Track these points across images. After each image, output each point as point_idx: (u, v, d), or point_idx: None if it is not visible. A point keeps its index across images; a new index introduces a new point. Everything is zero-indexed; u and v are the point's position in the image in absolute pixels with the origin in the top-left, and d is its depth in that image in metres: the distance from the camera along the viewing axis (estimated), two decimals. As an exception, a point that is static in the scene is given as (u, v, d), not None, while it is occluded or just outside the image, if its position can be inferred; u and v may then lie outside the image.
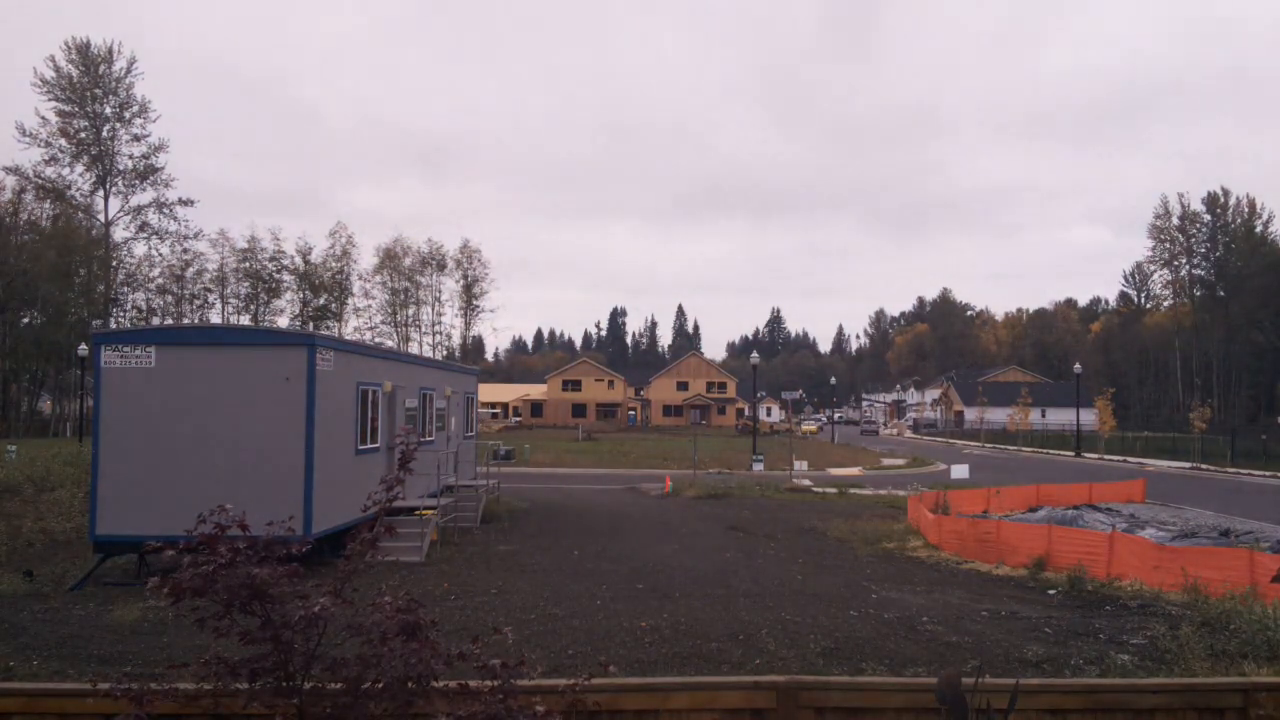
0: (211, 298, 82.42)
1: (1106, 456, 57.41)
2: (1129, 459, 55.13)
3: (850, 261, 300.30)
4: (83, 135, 65.60)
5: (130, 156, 67.50)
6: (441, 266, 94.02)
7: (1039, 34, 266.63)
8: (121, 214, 68.62)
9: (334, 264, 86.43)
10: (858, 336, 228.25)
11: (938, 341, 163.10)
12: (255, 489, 13.73)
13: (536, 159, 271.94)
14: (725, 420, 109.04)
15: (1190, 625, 11.77)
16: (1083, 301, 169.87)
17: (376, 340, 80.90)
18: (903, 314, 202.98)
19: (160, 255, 72.86)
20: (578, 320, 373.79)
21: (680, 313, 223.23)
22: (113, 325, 63.84)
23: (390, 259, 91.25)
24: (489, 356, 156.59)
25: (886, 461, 47.99)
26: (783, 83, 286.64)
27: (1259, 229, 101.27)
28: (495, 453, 33.20)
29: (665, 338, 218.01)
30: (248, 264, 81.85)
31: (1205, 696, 4.91)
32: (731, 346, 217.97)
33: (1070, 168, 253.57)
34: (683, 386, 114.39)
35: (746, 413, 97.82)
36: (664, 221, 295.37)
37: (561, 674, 8.50)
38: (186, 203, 69.60)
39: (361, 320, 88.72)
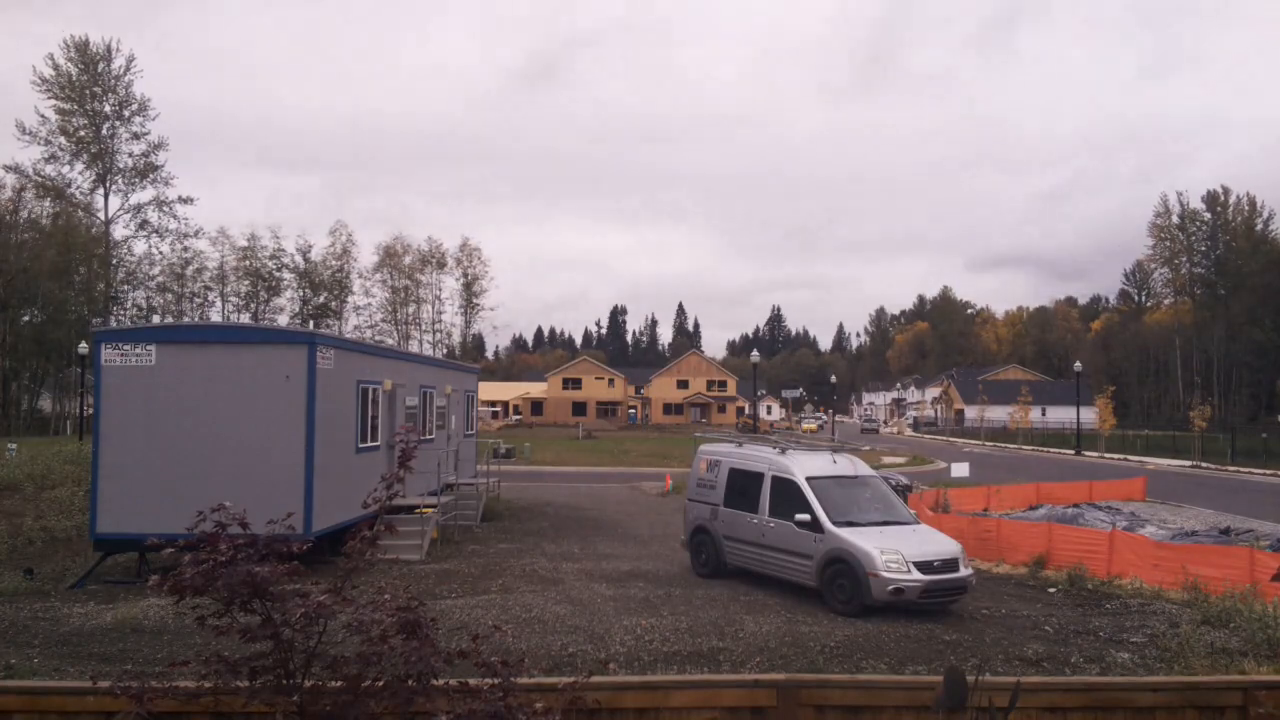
0: (211, 296, 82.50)
1: (1107, 455, 57.40)
2: (1129, 457, 55.13)
3: (852, 259, 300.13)
4: (82, 133, 65.60)
5: (130, 154, 67.57)
6: (441, 264, 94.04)
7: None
8: (121, 212, 68.65)
9: (334, 262, 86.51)
10: (858, 335, 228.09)
11: (938, 340, 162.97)
12: (256, 487, 13.71)
13: (535, 151, 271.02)
14: (726, 419, 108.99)
15: (1190, 623, 11.79)
16: (1083, 300, 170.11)
17: (377, 339, 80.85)
18: (903, 312, 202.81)
19: (160, 253, 72.86)
20: (578, 318, 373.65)
21: (680, 311, 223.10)
22: (113, 323, 63.82)
23: (390, 257, 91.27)
24: (489, 355, 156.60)
25: (887, 460, 47.95)
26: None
27: (1259, 227, 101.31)
28: (495, 451, 33.20)
29: (665, 336, 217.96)
30: (248, 262, 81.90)
31: (1205, 695, 4.91)
32: (732, 345, 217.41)
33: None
34: (683, 385, 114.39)
35: (747, 411, 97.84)
36: (665, 218, 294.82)
37: (562, 672, 8.51)
38: (186, 200, 69.62)
39: (362, 318, 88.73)
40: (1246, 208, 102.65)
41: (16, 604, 12.61)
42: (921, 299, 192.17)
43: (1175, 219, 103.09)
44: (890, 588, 12.32)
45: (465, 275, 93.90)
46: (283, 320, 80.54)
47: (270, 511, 4.78)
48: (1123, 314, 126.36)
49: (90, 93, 65.73)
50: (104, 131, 66.27)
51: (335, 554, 5.12)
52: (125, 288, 72.23)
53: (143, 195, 68.58)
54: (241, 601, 3.95)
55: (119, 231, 69.77)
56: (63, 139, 65.22)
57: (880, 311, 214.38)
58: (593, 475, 37.45)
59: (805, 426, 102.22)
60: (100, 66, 66.21)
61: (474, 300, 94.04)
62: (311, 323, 79.18)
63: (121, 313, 70.41)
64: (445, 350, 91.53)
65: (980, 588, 14.23)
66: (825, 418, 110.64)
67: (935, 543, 13.46)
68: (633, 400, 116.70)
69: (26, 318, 68.85)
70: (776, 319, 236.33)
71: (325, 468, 14.86)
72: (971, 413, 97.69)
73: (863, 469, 15.36)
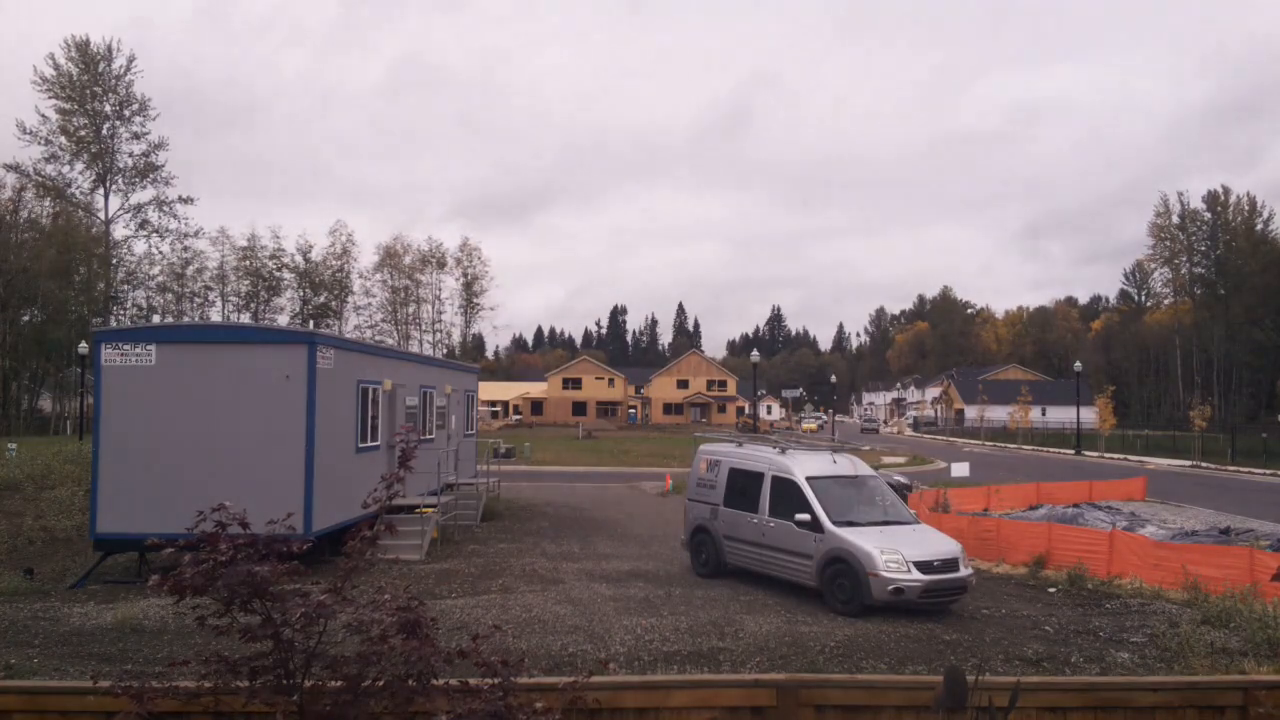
0: (212, 296, 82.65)
1: (1107, 455, 57.40)
2: (1129, 457, 55.13)
3: (851, 259, 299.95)
4: (83, 133, 65.61)
5: (130, 154, 67.58)
6: (441, 264, 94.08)
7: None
8: (121, 212, 68.68)
9: (334, 262, 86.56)
10: (858, 335, 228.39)
11: (938, 339, 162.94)
12: (256, 487, 13.69)
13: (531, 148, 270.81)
14: (726, 419, 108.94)
15: (1190, 623, 11.79)
16: (1083, 300, 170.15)
17: (377, 339, 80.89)
18: (903, 312, 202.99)
19: (160, 253, 72.91)
20: (578, 318, 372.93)
21: (681, 311, 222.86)
22: (113, 323, 63.81)
23: (390, 257, 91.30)
24: (489, 354, 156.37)
25: (887, 459, 47.97)
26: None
27: (1259, 227, 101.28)
28: (495, 451, 33.20)
29: (666, 336, 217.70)
30: (248, 262, 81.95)
31: (1205, 694, 4.91)
32: (732, 345, 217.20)
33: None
34: (683, 385, 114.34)
35: (747, 411, 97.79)
36: (663, 217, 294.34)
37: (562, 672, 8.51)
38: (186, 200, 69.63)
39: (362, 318, 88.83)
40: (1246, 208, 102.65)
41: (16, 604, 12.61)
42: (921, 299, 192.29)
43: (1175, 219, 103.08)
44: (890, 588, 12.32)
45: (465, 275, 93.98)
46: (283, 320, 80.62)
47: (270, 511, 4.78)
48: (1123, 314, 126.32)
49: (91, 92, 65.75)
50: (104, 131, 66.31)
51: (335, 554, 5.13)
52: (125, 288, 72.34)
53: (143, 195, 68.71)
54: (241, 601, 3.95)
55: (119, 231, 69.91)
56: (63, 139, 65.29)
57: (880, 311, 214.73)
58: (593, 475, 37.44)
59: (805, 426, 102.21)
60: (101, 66, 66.26)
61: (474, 300, 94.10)
62: (311, 323, 79.21)
63: (121, 313, 70.45)
64: (445, 350, 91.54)
65: (980, 588, 14.23)
66: (825, 417, 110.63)
67: (935, 543, 13.46)
68: (633, 400, 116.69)
69: (26, 318, 68.87)
70: (777, 319, 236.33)
71: (325, 468, 14.86)
72: (971, 413, 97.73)
73: (863, 469, 15.36)
